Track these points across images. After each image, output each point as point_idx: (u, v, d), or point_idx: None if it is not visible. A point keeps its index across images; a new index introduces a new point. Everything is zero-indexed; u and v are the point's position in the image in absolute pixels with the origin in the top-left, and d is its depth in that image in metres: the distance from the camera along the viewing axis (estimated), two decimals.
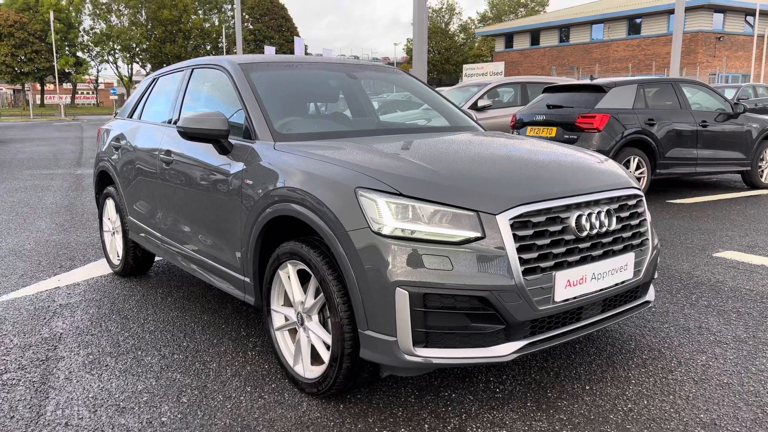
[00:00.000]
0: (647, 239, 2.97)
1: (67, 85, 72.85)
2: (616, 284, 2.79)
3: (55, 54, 53.76)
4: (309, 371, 2.82)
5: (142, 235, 4.35)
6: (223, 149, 3.29)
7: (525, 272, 2.45)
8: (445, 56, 64.54)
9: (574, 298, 2.61)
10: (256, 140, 3.22)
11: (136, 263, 4.74)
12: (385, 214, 2.45)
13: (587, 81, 8.76)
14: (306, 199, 2.70)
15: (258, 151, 3.13)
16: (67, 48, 63.28)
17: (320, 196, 2.64)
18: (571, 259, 2.59)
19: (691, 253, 5.41)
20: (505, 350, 2.47)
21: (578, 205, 2.67)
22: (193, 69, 4.12)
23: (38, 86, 68.11)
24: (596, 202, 2.74)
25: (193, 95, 4.02)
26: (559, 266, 2.55)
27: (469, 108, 10.63)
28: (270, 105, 3.41)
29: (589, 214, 2.66)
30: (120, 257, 4.83)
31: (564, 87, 8.86)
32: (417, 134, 3.70)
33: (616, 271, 2.76)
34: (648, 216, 3.02)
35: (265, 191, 2.95)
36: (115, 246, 4.93)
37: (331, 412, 2.70)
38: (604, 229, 2.70)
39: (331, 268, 2.61)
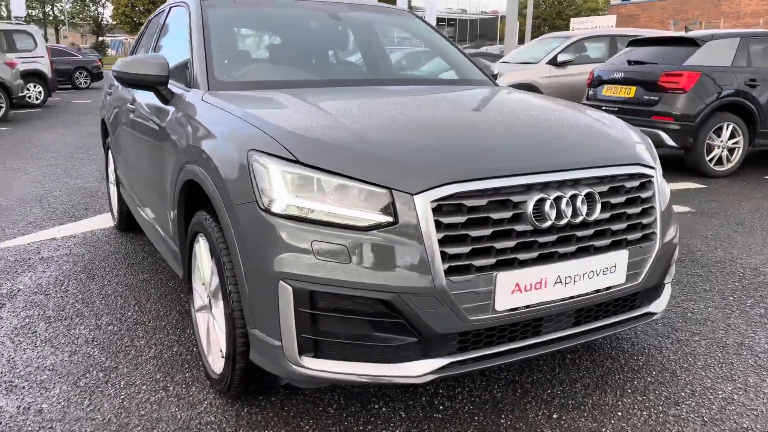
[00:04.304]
0: (653, 233, 2.26)
1: None
2: (598, 291, 2.13)
3: None
4: (217, 364, 2.39)
5: (125, 190, 4.07)
6: (163, 98, 2.86)
7: (450, 271, 1.86)
8: (556, 10, 60.91)
9: (527, 307, 1.99)
10: (191, 88, 2.76)
11: (130, 218, 4.49)
12: (277, 186, 1.92)
13: (680, 33, 7.60)
14: (204, 160, 2.23)
15: (188, 101, 2.68)
16: None
17: (215, 158, 2.16)
18: (523, 256, 1.96)
19: None
20: (419, 369, 1.91)
21: (543, 186, 2.01)
22: (170, 8, 3.69)
23: None
24: (574, 182, 2.07)
25: (166, 37, 3.60)
26: (504, 265, 1.94)
27: (547, 63, 9.66)
28: (221, 48, 2.94)
29: (557, 198, 2.00)
30: (117, 211, 4.61)
31: (652, 40, 7.72)
32: (387, 88, 3.04)
33: (597, 273, 2.10)
34: (658, 202, 2.29)
35: (181, 149, 2.51)
36: (114, 199, 4.71)
37: (228, 416, 2.27)
38: (579, 219, 2.04)
39: (227, 248, 2.14)
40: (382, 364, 1.91)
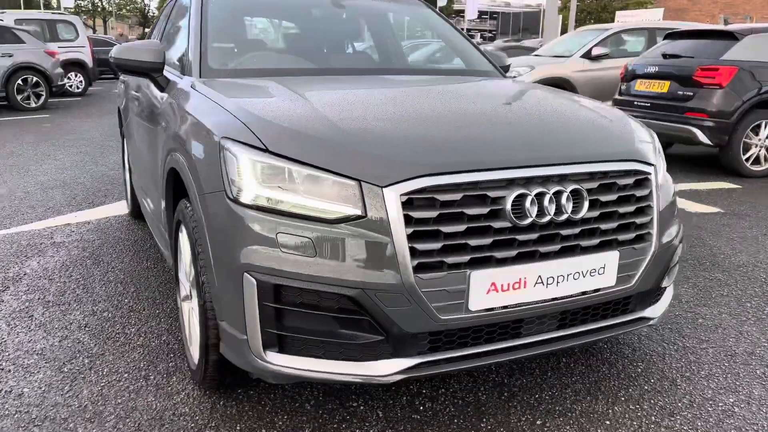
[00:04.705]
0: (648, 234, 2.13)
1: None
2: (585, 293, 2.01)
3: None
4: (196, 355, 2.35)
5: (133, 177, 4.09)
6: (159, 85, 2.85)
7: (420, 268, 1.78)
8: (602, 3, 59.42)
9: (505, 307, 1.90)
10: (185, 76, 2.73)
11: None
12: (246, 176, 1.87)
13: (719, 26, 7.29)
14: (183, 147, 2.20)
15: (179, 88, 2.65)
16: None
17: (191, 145, 2.13)
18: (501, 254, 1.86)
19: None
20: (387, 368, 1.84)
21: (526, 181, 1.91)
22: None
23: None
24: (560, 178, 1.96)
25: (172, 24, 3.59)
26: (479, 263, 1.84)
27: (581, 56, 9.40)
28: (217, 36, 2.90)
29: (540, 194, 1.90)
30: (129, 198, 4.65)
31: (689, 33, 7.43)
32: (381, 78, 2.94)
33: (583, 274, 1.99)
34: (656, 201, 2.15)
35: (168, 136, 2.48)
36: (128, 186, 4.75)
37: (203, 408, 2.24)
38: (563, 217, 1.93)
39: (200, 238, 2.10)
40: (348, 362, 1.85)
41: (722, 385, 2.44)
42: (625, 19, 31.20)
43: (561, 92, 2.84)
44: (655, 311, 2.27)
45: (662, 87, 6.99)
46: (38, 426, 2.13)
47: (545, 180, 1.94)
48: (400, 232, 1.76)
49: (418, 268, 1.78)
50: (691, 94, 6.65)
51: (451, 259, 1.80)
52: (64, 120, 10.80)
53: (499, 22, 65.57)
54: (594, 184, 2.01)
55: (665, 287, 2.33)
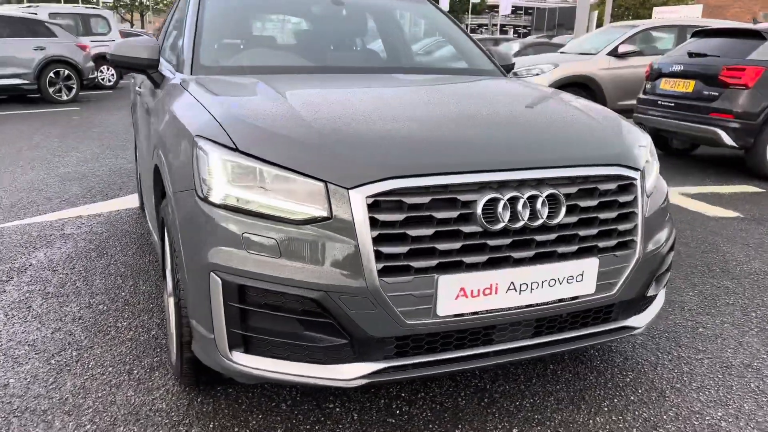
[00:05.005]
0: (632, 241, 2.06)
1: None
2: (561, 300, 1.96)
3: None
4: (175, 352, 2.38)
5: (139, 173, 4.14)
6: (154, 82, 2.86)
7: (385, 271, 1.76)
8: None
9: (475, 313, 1.86)
10: (177, 73, 2.74)
11: None
12: (216, 175, 1.86)
13: (747, 25, 7.07)
14: (163, 144, 2.21)
15: (172, 84, 2.66)
16: None
17: (169, 143, 2.14)
18: (471, 259, 1.82)
19: None
20: (351, 372, 1.83)
21: (499, 184, 1.87)
22: None
23: None
24: (537, 182, 1.91)
25: (174, 22, 3.61)
26: (447, 268, 1.81)
27: (607, 54, 9.21)
28: (212, 33, 2.90)
29: (513, 199, 1.85)
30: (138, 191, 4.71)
31: (715, 31, 7.21)
32: (371, 77, 2.88)
33: (559, 281, 1.93)
34: (641, 208, 2.08)
35: (154, 132, 2.50)
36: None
37: (179, 405, 2.25)
38: (538, 222, 1.88)
39: (175, 235, 2.10)
40: (312, 365, 1.83)
41: (713, 397, 2.36)
42: (662, 15, 30.44)
43: (556, 93, 2.77)
44: (640, 320, 2.21)
45: (687, 86, 6.81)
46: (18, 417, 2.17)
47: (520, 184, 1.89)
48: (365, 234, 1.73)
49: (383, 272, 1.75)
50: (717, 94, 6.46)
51: (418, 263, 1.77)
52: (92, 113, 11.01)
53: (534, 17, 64.80)
54: (573, 189, 1.95)
55: (653, 296, 2.26)
